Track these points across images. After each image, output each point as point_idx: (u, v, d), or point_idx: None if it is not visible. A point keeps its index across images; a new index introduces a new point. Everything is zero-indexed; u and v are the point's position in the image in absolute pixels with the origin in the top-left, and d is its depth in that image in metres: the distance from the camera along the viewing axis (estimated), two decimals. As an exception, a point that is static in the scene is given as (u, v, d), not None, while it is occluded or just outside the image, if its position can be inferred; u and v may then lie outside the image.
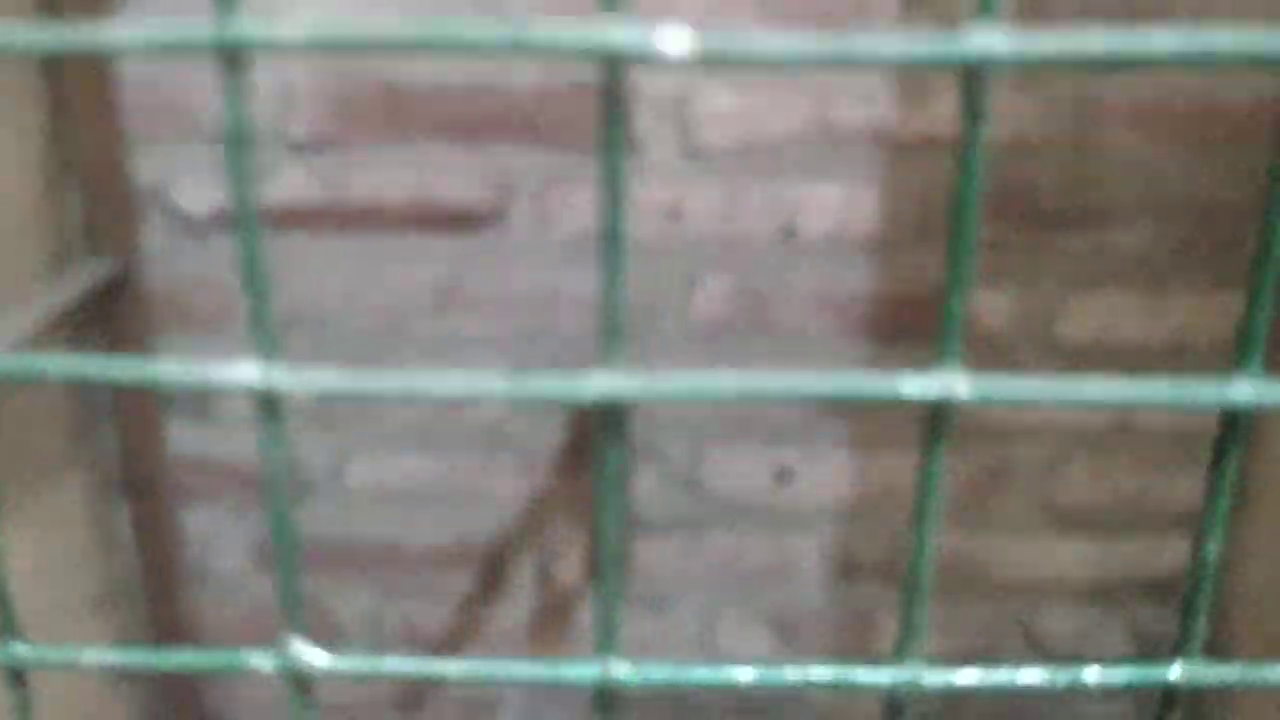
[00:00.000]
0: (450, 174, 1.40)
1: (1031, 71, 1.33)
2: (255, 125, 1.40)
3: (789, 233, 1.41)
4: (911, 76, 1.35)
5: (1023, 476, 1.50)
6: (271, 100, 1.38)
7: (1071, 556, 1.54)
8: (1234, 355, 1.42)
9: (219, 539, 1.59)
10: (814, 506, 1.53)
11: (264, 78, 1.38)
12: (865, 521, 1.54)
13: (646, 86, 1.36)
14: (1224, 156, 1.36)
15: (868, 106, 1.36)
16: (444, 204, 1.42)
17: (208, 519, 1.58)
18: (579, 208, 1.41)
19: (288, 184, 1.42)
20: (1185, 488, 1.50)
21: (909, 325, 1.44)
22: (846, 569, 1.57)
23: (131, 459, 1.50)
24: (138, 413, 1.48)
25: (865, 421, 1.49)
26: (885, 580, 1.57)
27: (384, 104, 1.38)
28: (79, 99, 1.38)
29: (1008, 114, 1.35)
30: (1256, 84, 1.33)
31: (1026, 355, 1.45)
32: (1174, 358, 1.44)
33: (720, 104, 1.36)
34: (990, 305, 1.43)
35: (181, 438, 1.54)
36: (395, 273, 1.45)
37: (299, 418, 1.51)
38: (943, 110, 1.36)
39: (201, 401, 1.53)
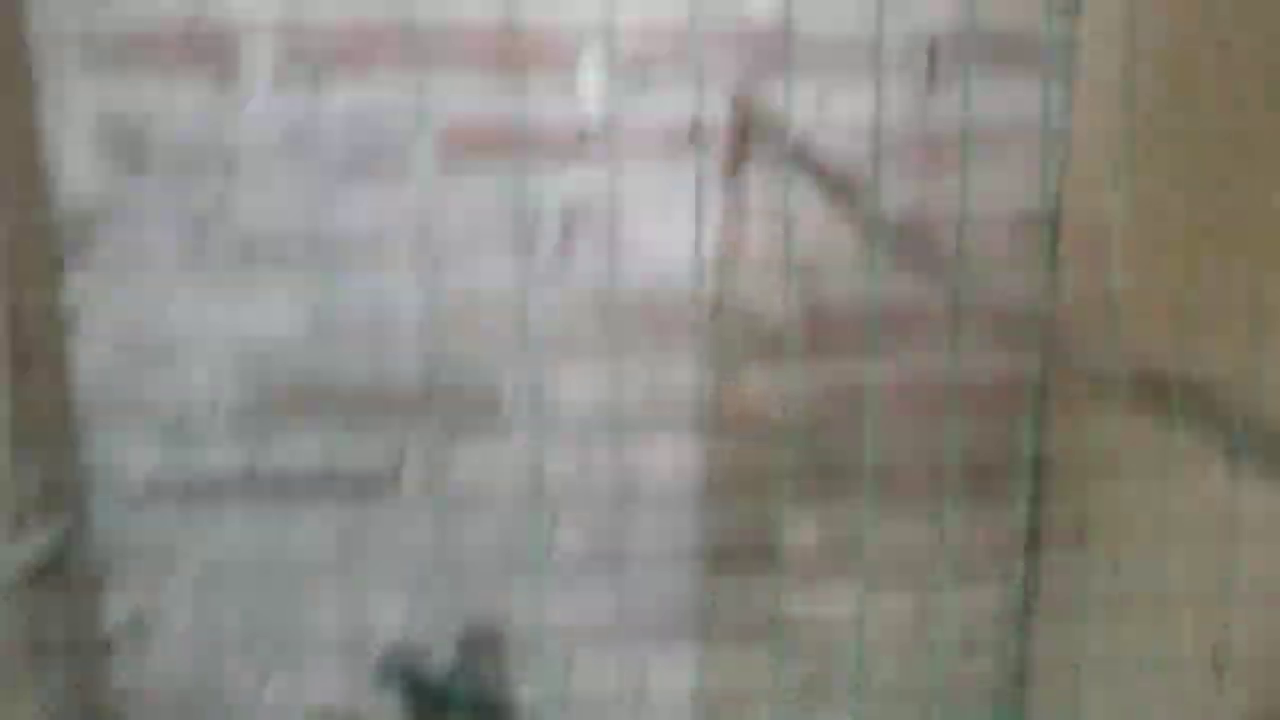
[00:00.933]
0: (353, 445, 1.74)
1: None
2: (192, 408, 1.72)
3: (632, 486, 1.76)
4: (724, 362, 1.73)
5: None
6: (206, 388, 1.71)
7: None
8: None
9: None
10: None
11: (199, 371, 1.71)
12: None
13: (509, 374, 1.72)
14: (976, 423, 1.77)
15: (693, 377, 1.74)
16: (347, 470, 1.74)
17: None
18: (461, 467, 1.74)
19: (219, 454, 1.73)
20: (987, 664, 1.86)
21: (734, 551, 1.79)
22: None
23: (79, 693, 1.75)
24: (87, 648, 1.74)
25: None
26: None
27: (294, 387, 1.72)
28: (38, 390, 1.68)
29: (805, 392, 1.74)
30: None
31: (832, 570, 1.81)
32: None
33: (571, 383, 1.73)
34: (801, 530, 1.80)
35: (123, 674, 1.80)
36: (309, 526, 1.76)
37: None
38: (752, 386, 1.74)
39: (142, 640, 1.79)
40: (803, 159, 1.65)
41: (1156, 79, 1.31)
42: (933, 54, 1.63)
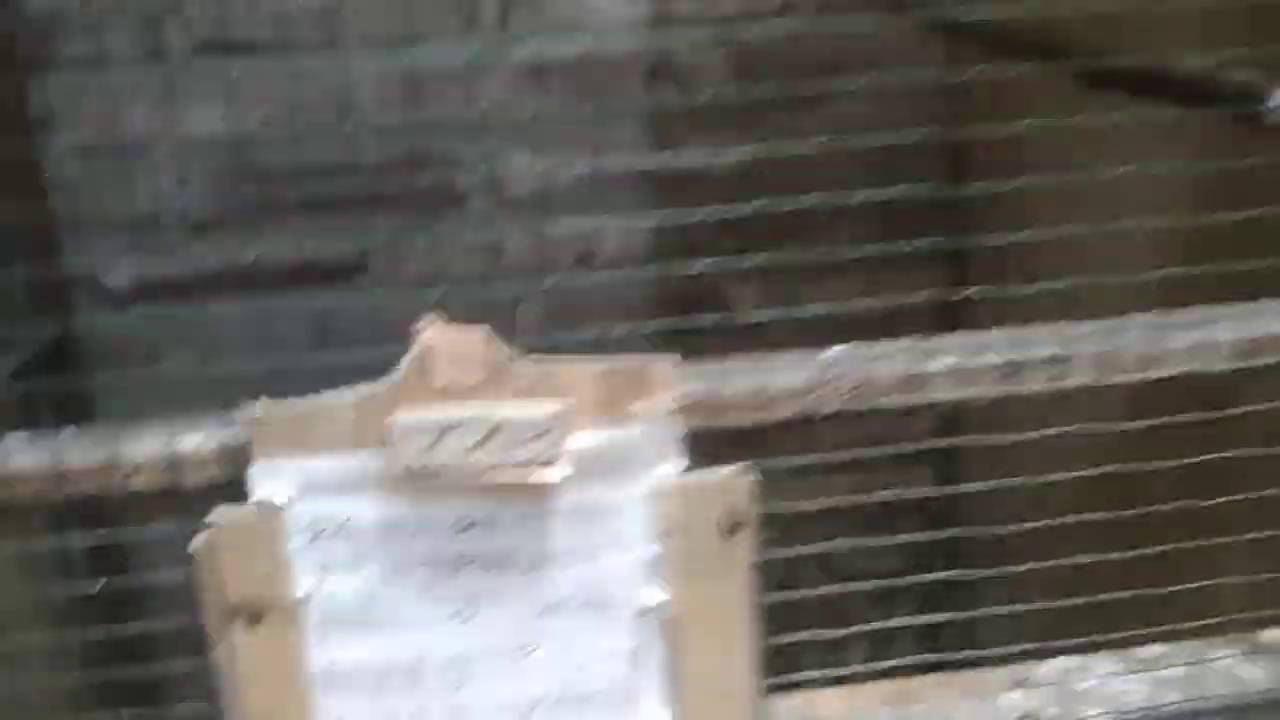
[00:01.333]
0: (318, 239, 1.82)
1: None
2: (161, 214, 1.80)
3: (585, 256, 1.86)
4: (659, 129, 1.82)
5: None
6: (176, 188, 1.79)
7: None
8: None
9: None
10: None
11: (167, 172, 1.79)
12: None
13: (464, 153, 1.80)
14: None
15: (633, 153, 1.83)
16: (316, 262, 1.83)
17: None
18: (423, 247, 1.84)
19: (191, 258, 1.82)
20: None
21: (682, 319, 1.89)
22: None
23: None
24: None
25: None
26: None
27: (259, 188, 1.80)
28: (16, 203, 1.75)
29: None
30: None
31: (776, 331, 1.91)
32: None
33: (521, 156, 1.81)
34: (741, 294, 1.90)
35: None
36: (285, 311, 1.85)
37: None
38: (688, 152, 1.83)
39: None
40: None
41: None
42: None
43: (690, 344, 1.84)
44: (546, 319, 1.87)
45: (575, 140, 1.82)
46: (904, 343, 0.61)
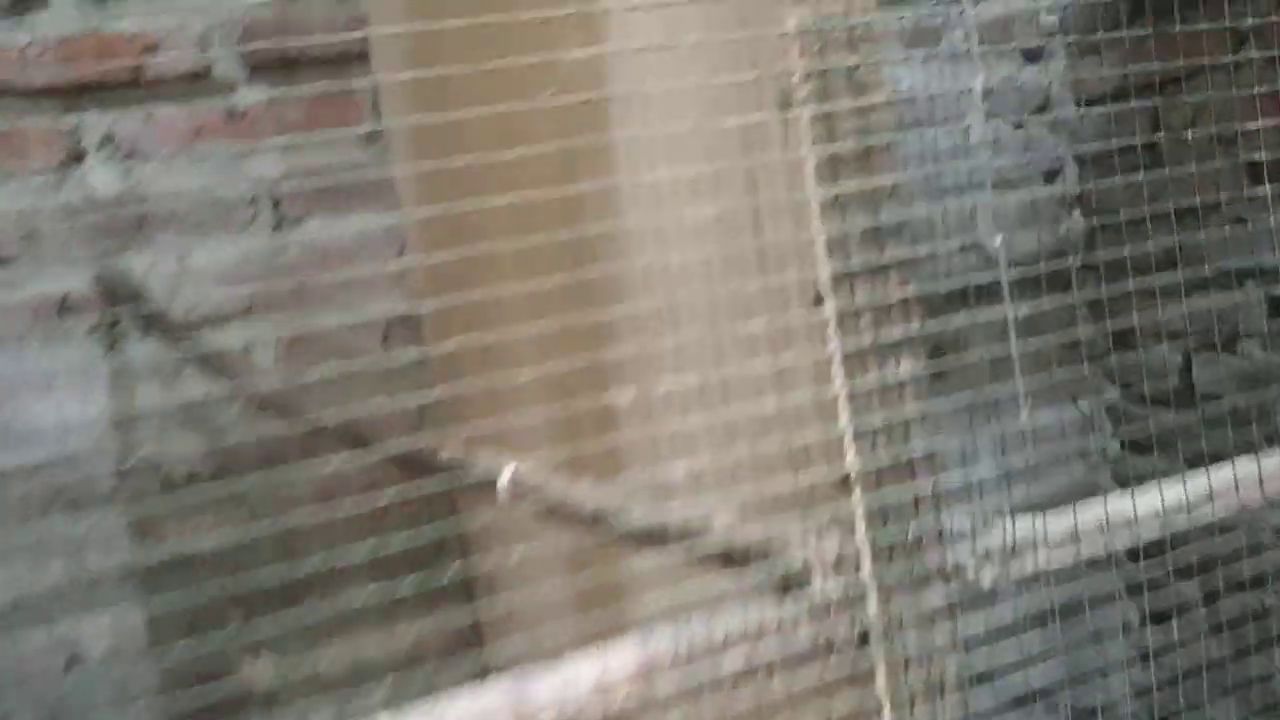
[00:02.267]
0: None
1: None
2: None
3: (77, 658, 1.79)
4: (139, 522, 1.79)
5: None
6: None
7: None
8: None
9: None
10: None
11: None
12: None
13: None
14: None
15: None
16: None
17: None
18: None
19: None
20: None
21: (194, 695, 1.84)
22: None
23: None
24: None
25: None
26: None
27: None
28: None
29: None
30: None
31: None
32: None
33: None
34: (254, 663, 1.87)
35: None
36: None
37: None
38: (169, 542, 1.81)
39: None
40: (163, 321, 1.76)
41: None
42: (276, 201, 1.80)
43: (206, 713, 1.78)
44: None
45: (48, 545, 1.77)
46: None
